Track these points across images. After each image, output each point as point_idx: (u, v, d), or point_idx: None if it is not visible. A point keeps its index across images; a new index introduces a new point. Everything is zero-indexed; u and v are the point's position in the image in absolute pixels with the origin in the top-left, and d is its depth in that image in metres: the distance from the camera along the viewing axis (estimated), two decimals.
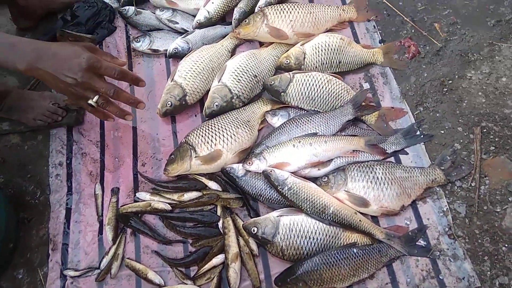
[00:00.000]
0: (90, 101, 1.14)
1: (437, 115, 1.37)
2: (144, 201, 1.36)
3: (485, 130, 1.32)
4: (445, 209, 1.23)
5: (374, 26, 1.57)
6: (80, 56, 1.09)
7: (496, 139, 1.30)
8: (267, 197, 1.30)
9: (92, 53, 1.12)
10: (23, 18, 1.72)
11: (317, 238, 1.20)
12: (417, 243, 1.20)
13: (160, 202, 1.34)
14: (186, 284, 1.24)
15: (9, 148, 1.54)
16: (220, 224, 1.30)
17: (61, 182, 1.44)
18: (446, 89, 1.41)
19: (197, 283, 1.24)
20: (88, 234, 1.35)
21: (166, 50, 1.59)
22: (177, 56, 1.57)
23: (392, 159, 1.34)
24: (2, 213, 1.29)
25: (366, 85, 1.47)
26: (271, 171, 1.27)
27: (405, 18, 1.56)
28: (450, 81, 1.42)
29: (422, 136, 1.35)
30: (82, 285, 1.28)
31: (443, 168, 1.27)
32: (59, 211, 1.39)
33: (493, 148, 1.29)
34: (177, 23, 1.64)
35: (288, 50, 1.51)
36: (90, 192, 1.41)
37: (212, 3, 1.60)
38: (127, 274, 1.29)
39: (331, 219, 1.21)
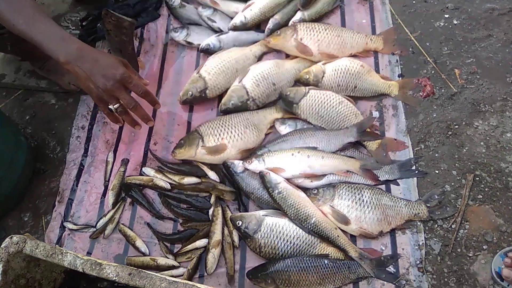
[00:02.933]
0: (110, 106, 1.25)
1: (436, 155, 1.43)
2: (149, 176, 1.47)
3: (477, 179, 1.36)
4: (420, 243, 1.28)
5: (397, 60, 1.64)
6: (117, 68, 1.21)
7: (486, 189, 1.34)
8: (258, 196, 1.39)
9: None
10: None
11: (294, 243, 1.28)
12: (386, 268, 1.26)
13: (162, 180, 1.45)
14: (168, 258, 1.34)
15: (42, 104, 1.70)
16: (210, 211, 1.40)
17: (79, 143, 1.58)
18: (450, 133, 1.46)
19: (177, 259, 1.34)
20: (93, 195, 1.48)
21: (199, 44, 1.71)
22: (208, 52, 1.68)
23: (383, 187, 1.40)
24: (22, 159, 1.44)
25: (375, 114, 1.53)
26: (266, 173, 1.35)
27: (428, 59, 1.62)
28: (457, 126, 1.47)
29: (416, 171, 1.40)
30: (77, 238, 1.41)
31: (428, 205, 1.33)
32: (72, 169, 1.53)
33: (481, 197, 1.34)
34: (215, 22, 1.76)
35: (310, 66, 1.60)
36: (102, 158, 1.54)
37: (250, 10, 1.71)
38: (118, 237, 1.40)
39: (311, 228, 1.29)
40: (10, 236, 1.05)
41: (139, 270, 0.99)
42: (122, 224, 1.42)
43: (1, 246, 1.04)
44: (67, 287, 1.25)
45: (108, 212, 1.43)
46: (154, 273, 0.98)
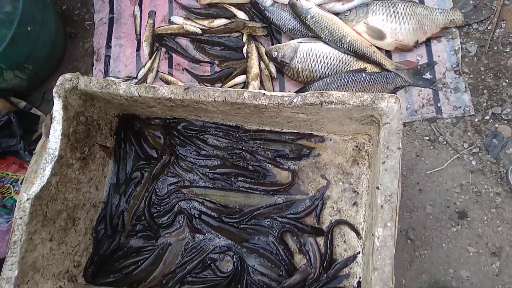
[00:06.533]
0: None
1: None
2: (178, 24, 1.48)
3: None
4: (456, 48, 1.30)
5: None
6: None
7: None
8: (290, 27, 1.39)
9: None
10: None
11: (331, 63, 1.31)
12: (423, 76, 1.29)
13: (192, 26, 1.45)
14: None
15: None
16: (244, 49, 1.42)
17: (103, 2, 1.57)
18: None
19: None
20: (127, 49, 1.51)
21: None
22: None
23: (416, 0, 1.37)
24: (52, 18, 1.45)
25: None
26: (296, 0, 1.34)
27: None
28: None
29: None
30: None
31: (463, 11, 1.31)
32: (102, 28, 1.54)
33: None
34: None
35: None
36: (129, 13, 1.54)
37: None
38: (160, 85, 1.45)
39: (347, 48, 1.30)
40: (62, 75, 1.09)
41: (193, 86, 1.04)
42: (162, 72, 1.46)
43: (57, 83, 1.09)
44: (122, 129, 1.34)
45: (146, 62, 1.47)
46: (207, 87, 1.04)
